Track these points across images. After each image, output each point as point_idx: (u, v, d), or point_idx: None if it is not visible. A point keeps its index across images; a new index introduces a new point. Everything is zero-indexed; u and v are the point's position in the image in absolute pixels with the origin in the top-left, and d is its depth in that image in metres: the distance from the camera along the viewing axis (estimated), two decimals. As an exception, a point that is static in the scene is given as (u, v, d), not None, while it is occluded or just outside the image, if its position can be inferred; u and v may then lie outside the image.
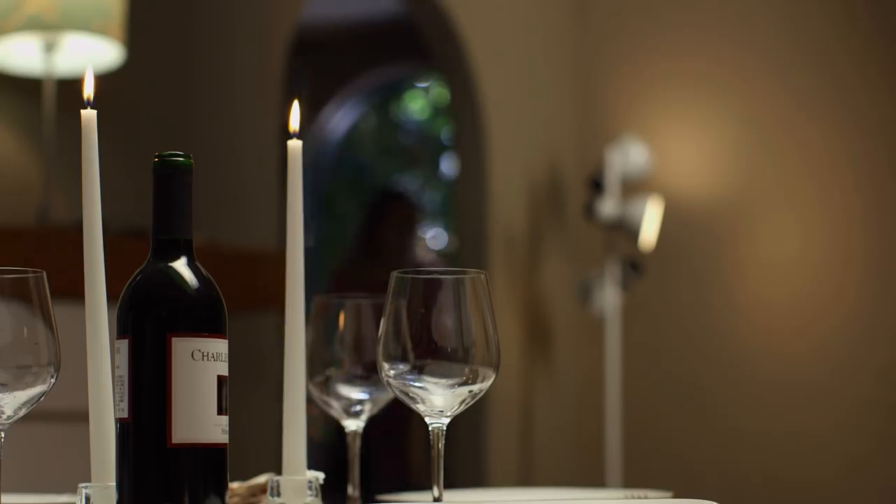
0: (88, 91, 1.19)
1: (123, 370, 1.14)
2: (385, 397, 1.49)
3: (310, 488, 1.23)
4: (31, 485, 1.92)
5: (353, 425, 1.50)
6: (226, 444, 1.15)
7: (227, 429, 1.16)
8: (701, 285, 5.21)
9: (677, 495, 1.30)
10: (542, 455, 4.99)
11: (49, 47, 3.27)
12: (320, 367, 1.48)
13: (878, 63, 4.83)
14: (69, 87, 3.34)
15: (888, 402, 4.68)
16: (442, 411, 1.21)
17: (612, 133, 5.25)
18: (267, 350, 3.88)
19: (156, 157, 1.17)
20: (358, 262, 5.70)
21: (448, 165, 8.05)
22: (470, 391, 1.20)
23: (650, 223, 4.87)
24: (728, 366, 5.12)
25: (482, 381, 1.20)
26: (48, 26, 3.18)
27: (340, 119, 8.01)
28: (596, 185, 4.92)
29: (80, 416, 1.33)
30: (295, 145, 1.26)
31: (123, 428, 1.13)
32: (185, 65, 3.97)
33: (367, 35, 6.61)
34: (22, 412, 1.20)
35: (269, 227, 4.07)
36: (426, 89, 8.32)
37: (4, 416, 1.19)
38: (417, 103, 8.43)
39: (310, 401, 1.36)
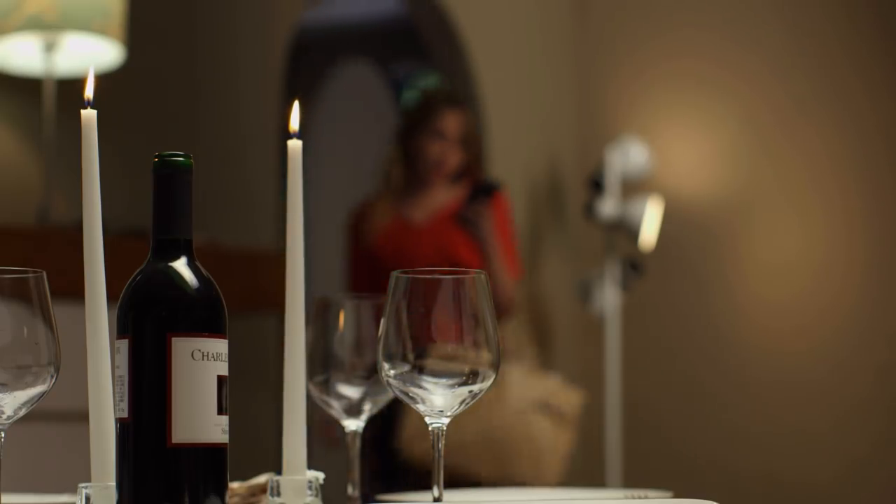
0: (89, 91, 1.19)
1: (123, 370, 1.14)
2: (385, 397, 1.49)
3: (310, 488, 1.23)
4: (31, 485, 1.92)
5: (353, 425, 1.50)
6: (226, 444, 1.15)
7: (227, 429, 1.16)
8: (701, 285, 5.21)
9: (677, 495, 1.30)
10: (542, 455, 4.99)
11: (49, 47, 3.27)
12: (320, 367, 1.48)
13: (879, 65, 4.84)
14: (69, 87, 3.34)
15: (887, 402, 4.68)
16: (442, 411, 1.21)
17: (612, 133, 5.25)
18: (267, 350, 3.88)
19: (156, 156, 1.17)
20: (386, 195, 4.14)
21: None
22: (470, 391, 1.20)
23: (650, 223, 4.87)
24: (728, 366, 5.12)
25: (482, 381, 1.20)
26: (48, 26, 3.18)
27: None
28: (596, 185, 4.93)
29: (79, 416, 1.33)
30: (295, 145, 1.26)
31: (123, 428, 1.13)
32: (186, 65, 3.97)
33: (368, 35, 6.62)
34: (22, 412, 1.20)
35: (269, 227, 4.07)
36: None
37: (4, 416, 1.19)
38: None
39: (310, 399, 1.36)
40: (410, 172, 4.07)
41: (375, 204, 4.10)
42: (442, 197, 4.05)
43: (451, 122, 4.00)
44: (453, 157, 4.00)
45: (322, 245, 6.42)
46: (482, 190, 3.99)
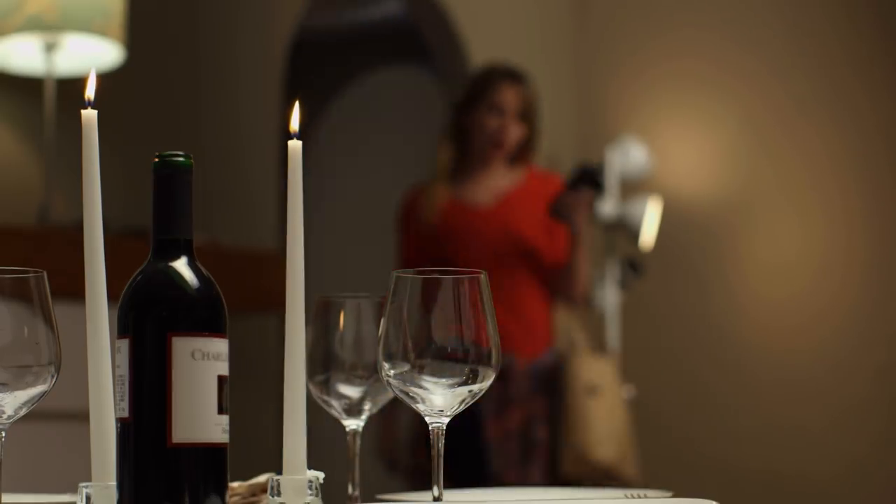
0: (89, 91, 1.19)
1: (124, 370, 1.14)
2: (385, 397, 1.49)
3: (310, 488, 1.23)
4: (32, 484, 1.93)
5: (352, 425, 1.50)
6: (226, 444, 1.15)
7: (227, 428, 1.16)
8: (701, 285, 5.21)
9: (677, 495, 1.30)
10: (542, 455, 4.99)
11: (49, 47, 3.27)
12: (320, 367, 1.48)
13: (878, 65, 4.84)
14: (70, 87, 3.35)
15: (886, 401, 4.69)
16: (442, 411, 1.21)
17: (612, 133, 5.25)
18: (267, 350, 3.89)
19: (156, 156, 1.17)
20: (440, 177, 3.97)
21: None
22: (470, 391, 1.20)
23: (650, 223, 4.88)
24: (728, 365, 5.12)
25: (482, 381, 1.20)
26: (49, 26, 3.18)
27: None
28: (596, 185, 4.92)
29: (80, 416, 1.33)
30: (295, 145, 1.26)
31: (124, 427, 1.13)
32: (186, 65, 3.97)
33: (368, 36, 6.62)
34: (22, 412, 1.20)
35: (269, 227, 4.07)
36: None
37: (5, 416, 1.19)
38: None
39: (310, 399, 1.36)
40: (466, 152, 3.93)
41: (429, 189, 3.94)
42: (504, 181, 3.92)
43: (508, 96, 3.88)
44: (513, 132, 3.87)
45: (351, 245, 6.41)
46: (585, 179, 3.80)
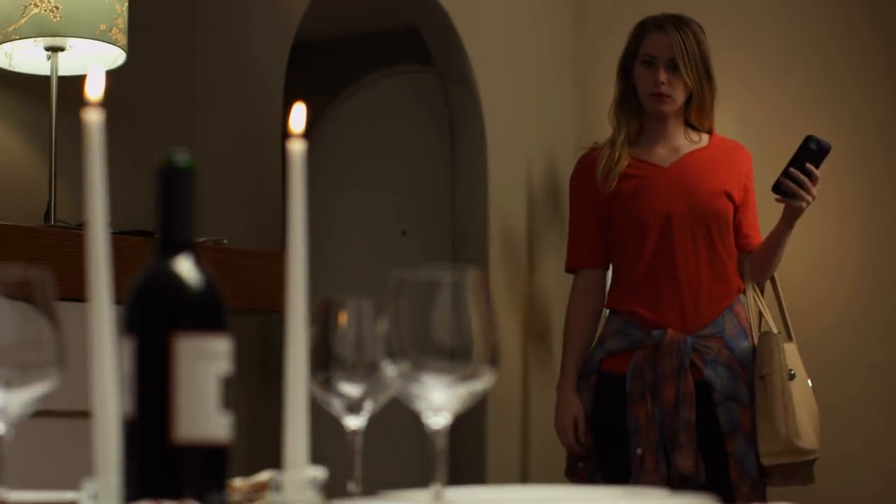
0: (94, 92, 1.20)
1: (127, 368, 1.15)
2: (385, 395, 1.50)
3: (311, 485, 1.25)
4: (35, 482, 1.94)
5: (354, 423, 1.51)
6: (228, 442, 1.17)
7: (229, 426, 1.17)
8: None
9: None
10: (542, 453, 5.00)
11: (55, 49, 3.29)
12: (321, 366, 1.49)
13: (874, 65, 4.84)
14: (75, 87, 3.36)
15: (880, 400, 4.69)
16: (442, 409, 1.22)
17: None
18: (269, 349, 3.90)
19: (159, 157, 1.18)
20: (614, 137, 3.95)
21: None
22: (470, 390, 1.21)
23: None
24: (728, 365, 5.12)
25: (482, 380, 1.21)
26: (54, 28, 3.20)
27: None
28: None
29: (83, 414, 1.34)
30: (296, 147, 1.27)
31: (127, 426, 1.14)
32: (189, 66, 3.98)
33: (369, 39, 6.62)
34: (27, 410, 1.21)
35: (272, 227, 4.08)
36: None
37: (9, 415, 1.20)
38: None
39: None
40: (640, 112, 3.89)
41: (607, 153, 3.90)
42: (683, 140, 3.88)
43: (654, 45, 3.79)
44: (666, 82, 3.76)
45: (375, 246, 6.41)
46: (813, 156, 3.79)
